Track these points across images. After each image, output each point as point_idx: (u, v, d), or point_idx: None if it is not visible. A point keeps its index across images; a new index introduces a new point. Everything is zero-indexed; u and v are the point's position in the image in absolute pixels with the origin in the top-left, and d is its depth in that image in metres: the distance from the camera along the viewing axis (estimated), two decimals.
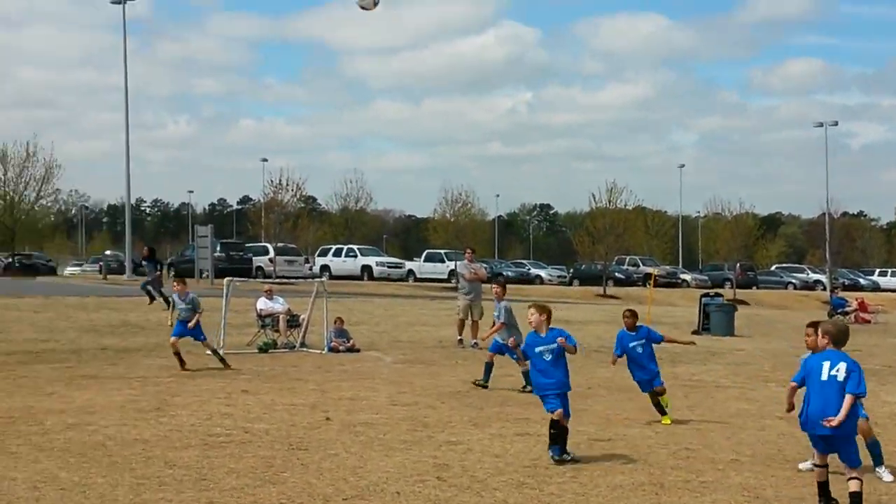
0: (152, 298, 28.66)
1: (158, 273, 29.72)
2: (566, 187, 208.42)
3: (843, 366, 7.55)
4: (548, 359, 9.63)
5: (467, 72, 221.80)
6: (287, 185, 60.57)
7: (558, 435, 9.50)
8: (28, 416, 11.40)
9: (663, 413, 12.04)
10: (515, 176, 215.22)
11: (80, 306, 28.47)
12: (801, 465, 9.40)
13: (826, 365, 7.61)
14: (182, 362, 16.36)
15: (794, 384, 7.93)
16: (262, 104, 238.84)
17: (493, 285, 17.25)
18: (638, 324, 12.12)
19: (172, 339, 16.58)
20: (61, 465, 8.85)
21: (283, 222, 59.20)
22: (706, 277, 67.93)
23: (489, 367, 15.08)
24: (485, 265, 41.96)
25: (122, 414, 11.72)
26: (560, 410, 9.52)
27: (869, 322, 36.82)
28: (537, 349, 9.68)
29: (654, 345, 12.09)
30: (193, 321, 16.60)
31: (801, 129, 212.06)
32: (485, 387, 14.82)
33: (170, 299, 19.60)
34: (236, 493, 7.93)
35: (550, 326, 9.87)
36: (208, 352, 16.90)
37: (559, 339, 9.66)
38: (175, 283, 17.55)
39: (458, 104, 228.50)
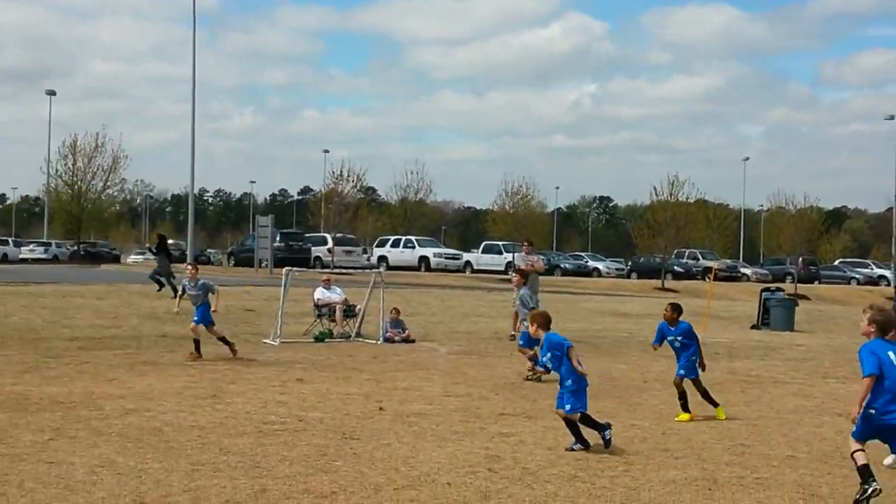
0: (160, 286, 28.80)
1: (168, 261, 29.60)
2: (629, 180, 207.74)
3: None
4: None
5: (533, 64, 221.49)
6: (347, 175, 61.00)
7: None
8: (88, 402, 11.63)
9: (713, 404, 11.88)
10: (578, 168, 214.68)
11: (142, 294, 28.95)
12: (886, 461, 9.19)
13: (892, 355, 7.45)
14: (198, 350, 16.17)
15: (874, 375, 7.42)
16: (327, 95, 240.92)
17: (512, 274, 17.09)
18: (681, 319, 11.95)
19: (193, 324, 16.31)
20: (119, 449, 9.02)
21: (343, 213, 59.58)
22: (767, 272, 67.02)
23: (534, 359, 15.00)
24: (542, 257, 41.86)
25: (180, 400, 11.90)
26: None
27: None
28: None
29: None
30: (216, 302, 16.49)
31: (871, 123, 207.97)
32: (538, 380, 14.76)
33: (178, 287, 19.33)
34: (289, 480, 8.01)
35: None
36: (216, 339, 16.54)
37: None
38: (189, 268, 17.24)
39: (523, 96, 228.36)
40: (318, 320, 20.97)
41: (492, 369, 16.09)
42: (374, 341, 19.92)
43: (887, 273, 66.70)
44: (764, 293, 29.00)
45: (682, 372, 11.81)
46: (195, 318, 16.36)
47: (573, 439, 9.66)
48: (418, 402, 12.41)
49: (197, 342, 16.28)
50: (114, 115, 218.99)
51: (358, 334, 20.63)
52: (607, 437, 9.65)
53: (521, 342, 15.38)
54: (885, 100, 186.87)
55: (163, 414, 10.93)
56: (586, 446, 9.58)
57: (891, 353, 7.50)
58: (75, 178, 66.18)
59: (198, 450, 9.10)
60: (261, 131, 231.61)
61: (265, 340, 19.23)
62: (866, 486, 7.41)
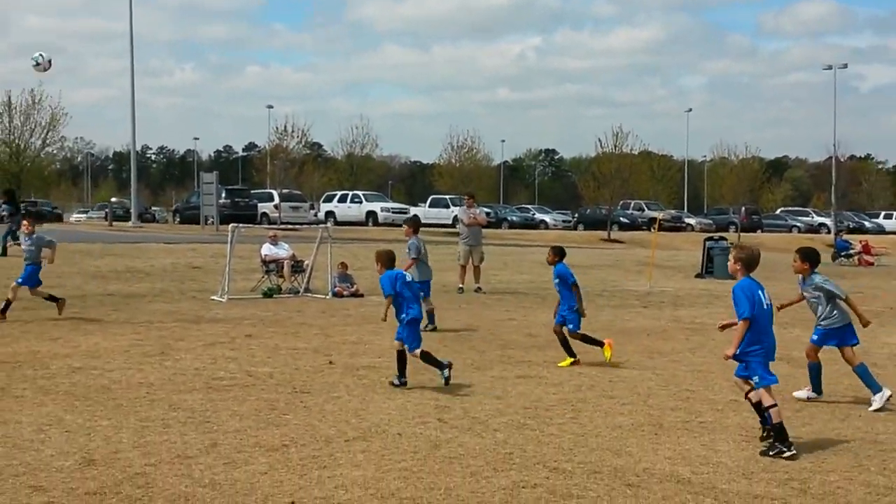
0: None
1: (20, 216, 27.79)
2: (573, 133, 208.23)
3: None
4: None
5: (477, 16, 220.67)
6: (292, 131, 60.63)
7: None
8: (34, 361, 11.51)
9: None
10: (523, 122, 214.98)
11: (85, 252, 28.58)
12: (797, 394, 9.93)
13: (762, 294, 8.12)
14: (5, 312, 15.25)
15: (749, 318, 7.99)
16: (269, 50, 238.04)
17: (404, 224, 17.21)
18: (560, 262, 12.33)
19: (14, 285, 15.48)
20: (66, 407, 8.96)
21: (289, 169, 59.22)
22: (711, 221, 67.83)
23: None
24: (487, 210, 42.01)
25: (127, 358, 11.82)
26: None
27: (872, 264, 36.84)
28: None
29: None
30: (52, 255, 15.96)
31: (810, 73, 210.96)
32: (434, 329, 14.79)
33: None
34: (239, 434, 8.03)
35: None
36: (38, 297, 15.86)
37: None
38: (25, 222, 16.32)
39: (467, 50, 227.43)
40: (266, 276, 20.89)
41: (440, 322, 16.13)
42: (323, 296, 19.90)
43: (827, 221, 67.89)
44: (707, 242, 29.43)
45: (558, 318, 12.11)
46: (19, 279, 15.63)
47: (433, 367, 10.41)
48: (367, 355, 12.46)
49: (8, 303, 15.34)
50: (51, 71, 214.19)
51: (306, 289, 20.60)
52: (446, 376, 10.28)
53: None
54: (824, 49, 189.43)
55: (110, 372, 10.86)
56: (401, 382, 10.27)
57: (761, 293, 8.07)
58: (12, 136, 64.80)
59: (147, 406, 9.07)
60: (203, 87, 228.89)
61: (213, 297, 19.11)
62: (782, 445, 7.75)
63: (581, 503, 6.39)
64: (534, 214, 72.33)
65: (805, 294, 10.27)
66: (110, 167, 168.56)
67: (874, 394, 9.76)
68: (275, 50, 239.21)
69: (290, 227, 37.34)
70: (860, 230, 66.17)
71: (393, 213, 60.71)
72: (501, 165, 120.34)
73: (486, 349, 13.16)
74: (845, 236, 42.77)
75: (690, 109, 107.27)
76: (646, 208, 68.02)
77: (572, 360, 11.96)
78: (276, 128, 61.58)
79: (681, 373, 11.57)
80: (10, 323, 14.98)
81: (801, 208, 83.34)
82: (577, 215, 72.21)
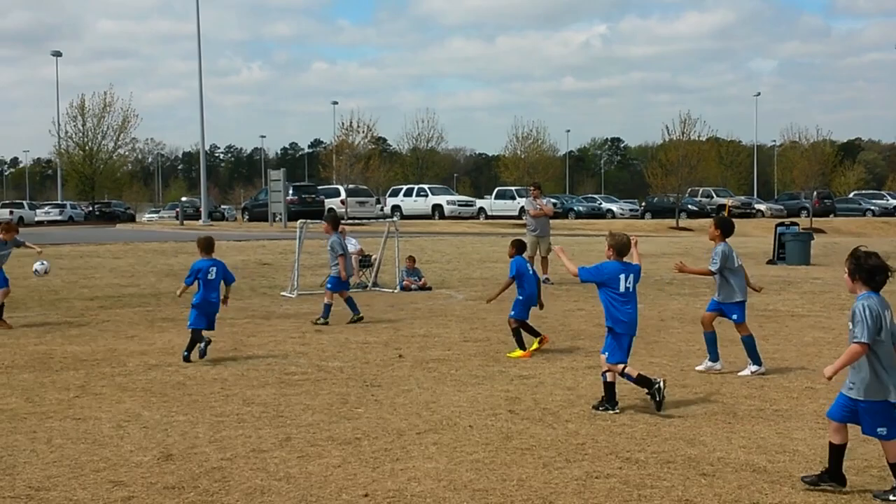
0: None
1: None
2: (640, 121, 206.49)
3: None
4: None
5: (542, 6, 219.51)
6: (357, 126, 60.98)
7: None
8: (111, 358, 11.77)
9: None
10: (589, 111, 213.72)
11: (158, 252, 29.11)
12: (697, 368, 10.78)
13: (622, 277, 8.91)
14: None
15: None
16: (335, 47, 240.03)
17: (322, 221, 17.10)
18: (516, 255, 12.42)
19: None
20: (144, 404, 9.14)
21: (355, 164, 59.56)
22: (782, 207, 66.69)
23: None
24: (553, 201, 41.77)
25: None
26: None
27: None
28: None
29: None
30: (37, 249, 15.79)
31: (885, 52, 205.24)
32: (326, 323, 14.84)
33: None
34: (312, 428, 8.12)
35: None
36: None
37: None
38: (3, 229, 15.39)
39: (532, 40, 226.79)
40: None
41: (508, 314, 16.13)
42: (391, 290, 20.00)
43: None
44: (779, 228, 28.92)
45: (511, 312, 12.15)
46: None
47: None
48: (437, 348, 12.50)
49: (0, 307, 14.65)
50: (122, 74, 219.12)
51: (374, 284, 20.72)
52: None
53: (328, 286, 15.48)
54: None
55: (184, 368, 11.05)
56: None
57: (622, 276, 8.92)
58: (85, 139, 66.31)
59: (221, 402, 9.22)
60: (269, 85, 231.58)
61: (283, 293, 19.34)
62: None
63: (654, 493, 6.35)
64: (600, 204, 71.82)
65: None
66: (180, 167, 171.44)
67: (752, 364, 10.62)
68: (340, 46, 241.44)
69: (357, 221, 37.58)
70: None
71: (459, 205, 60.79)
72: (567, 155, 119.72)
73: (556, 340, 13.12)
74: None
75: (759, 93, 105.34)
76: (714, 195, 67.14)
77: (522, 351, 11.94)
78: (342, 123, 62.02)
79: None
80: (88, 322, 15.32)
81: (875, 191, 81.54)
82: (644, 204, 71.56)
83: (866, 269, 6.53)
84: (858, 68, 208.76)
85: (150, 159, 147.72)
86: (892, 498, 6.19)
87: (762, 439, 7.71)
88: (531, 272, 12.46)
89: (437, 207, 59.55)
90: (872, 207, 68.95)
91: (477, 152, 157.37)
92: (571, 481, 6.60)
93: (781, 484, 6.51)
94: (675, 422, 8.33)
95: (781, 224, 29.90)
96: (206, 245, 12.57)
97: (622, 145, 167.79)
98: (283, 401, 9.23)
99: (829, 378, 6.69)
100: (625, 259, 9.03)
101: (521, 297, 12.14)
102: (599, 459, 7.13)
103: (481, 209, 62.74)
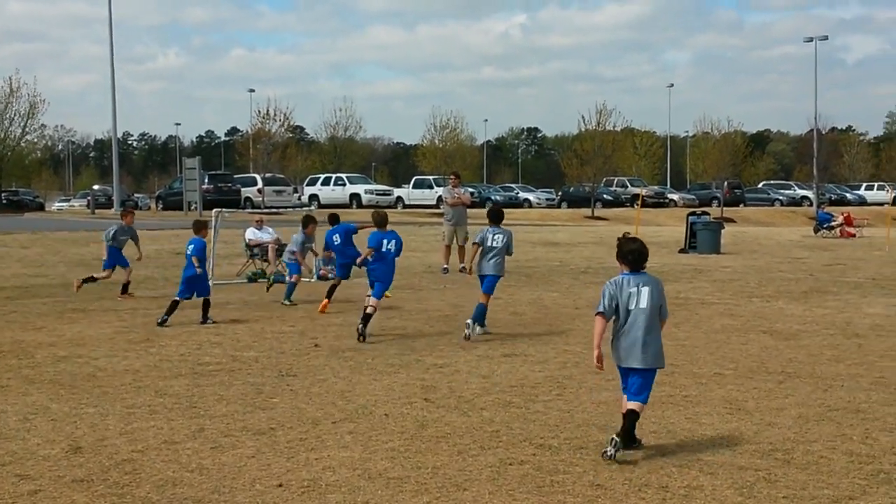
0: None
1: None
2: (558, 110, 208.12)
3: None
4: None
5: None
6: (274, 115, 60.40)
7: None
8: (18, 350, 11.48)
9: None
10: (509, 101, 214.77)
11: (69, 241, 28.47)
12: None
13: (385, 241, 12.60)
14: None
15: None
16: (254, 33, 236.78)
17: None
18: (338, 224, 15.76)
19: None
20: (52, 396, 8.95)
21: (272, 152, 59.02)
22: (694, 196, 67.96)
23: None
24: (471, 190, 41.98)
25: (112, 345, 11.81)
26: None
27: (854, 236, 37.03)
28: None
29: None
30: None
31: (796, 45, 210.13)
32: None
33: None
34: (226, 419, 8.04)
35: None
36: None
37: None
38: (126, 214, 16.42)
39: (453, 28, 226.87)
40: (251, 261, 20.85)
41: (426, 302, 16.20)
42: (308, 280, 19.86)
43: (809, 194, 68.14)
44: (690, 217, 29.51)
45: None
46: None
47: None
48: (353, 337, 12.45)
49: None
50: (31, 57, 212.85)
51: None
52: None
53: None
54: (811, 21, 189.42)
55: (95, 360, 10.84)
56: None
57: (384, 240, 12.71)
58: None
59: (133, 393, 9.07)
60: (186, 72, 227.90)
61: None
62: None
63: (567, 479, 6.43)
64: (517, 193, 72.33)
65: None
66: (92, 154, 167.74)
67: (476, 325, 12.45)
68: (259, 32, 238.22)
69: (274, 210, 37.24)
70: (842, 202, 66.50)
71: (377, 195, 60.64)
72: (485, 145, 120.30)
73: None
74: (827, 208, 42.98)
75: (672, 84, 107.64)
76: (629, 185, 68.13)
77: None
78: (258, 111, 61.32)
79: (666, 348, 11.58)
80: None
81: (783, 181, 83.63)
82: (560, 193, 72.27)
83: (622, 253, 7.33)
84: (770, 61, 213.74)
85: (60, 146, 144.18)
86: (608, 451, 6.80)
87: (672, 424, 7.87)
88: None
89: (354, 196, 59.32)
90: (781, 197, 70.72)
91: (395, 141, 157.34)
92: (486, 468, 6.66)
93: (689, 468, 6.65)
94: (587, 408, 8.46)
95: (693, 213, 30.51)
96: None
97: (539, 135, 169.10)
98: (196, 391, 9.12)
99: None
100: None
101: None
102: (514, 446, 7.21)
103: (399, 198, 62.70)
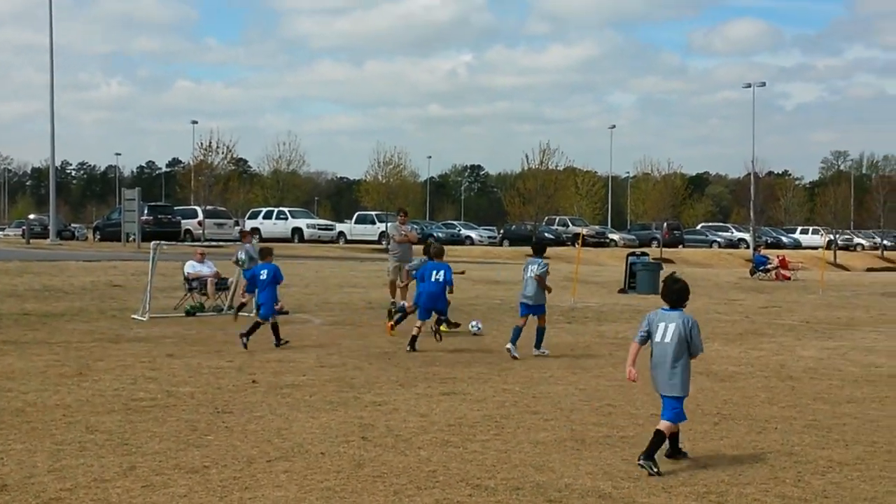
0: None
1: None
2: (504, 149, 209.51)
3: None
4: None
5: (412, 33, 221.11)
6: (217, 147, 60.00)
7: None
8: None
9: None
10: (455, 138, 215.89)
11: (1, 271, 27.88)
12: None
13: None
14: None
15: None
16: (201, 65, 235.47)
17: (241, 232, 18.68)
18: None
19: None
20: None
21: (213, 185, 58.57)
22: (634, 237, 68.76)
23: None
24: (416, 227, 42.05)
25: (43, 379, 11.55)
26: None
27: (789, 279, 37.66)
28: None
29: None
30: None
31: (737, 91, 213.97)
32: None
33: None
34: (159, 456, 7.89)
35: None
36: None
37: None
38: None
39: (401, 66, 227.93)
40: (189, 294, 20.62)
41: (365, 339, 16.12)
42: (247, 314, 19.67)
43: (746, 236, 69.30)
44: (630, 258, 29.82)
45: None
46: None
47: None
48: (292, 373, 12.35)
49: None
50: None
51: (230, 307, 20.36)
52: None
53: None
54: (752, 68, 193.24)
55: (25, 394, 10.59)
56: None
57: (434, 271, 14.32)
58: None
59: (63, 429, 8.87)
60: (130, 102, 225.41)
61: (133, 316, 18.80)
62: None
63: None
64: (459, 230, 72.54)
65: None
66: (28, 183, 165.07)
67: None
68: (206, 64, 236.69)
69: (214, 243, 36.92)
70: (778, 245, 67.70)
71: (319, 229, 60.44)
72: (428, 181, 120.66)
73: (412, 366, 13.15)
74: (763, 251, 43.68)
75: (614, 126, 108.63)
76: (570, 224, 68.66)
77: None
78: (201, 143, 60.87)
79: (603, 388, 11.68)
80: None
81: (721, 223, 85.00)
82: (502, 231, 72.61)
83: (662, 291, 8.34)
84: (712, 105, 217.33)
85: None
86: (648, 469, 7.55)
87: (608, 465, 7.89)
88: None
89: (296, 231, 59.06)
90: (718, 239, 71.83)
91: (339, 176, 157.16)
92: None
93: None
94: (525, 448, 8.45)
95: (633, 254, 30.83)
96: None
97: (483, 173, 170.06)
98: (128, 428, 8.95)
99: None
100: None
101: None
102: (450, 487, 7.17)
103: (341, 233, 62.54)
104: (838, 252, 65.23)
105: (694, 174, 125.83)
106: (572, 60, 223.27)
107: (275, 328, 14.97)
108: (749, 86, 74.40)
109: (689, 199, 72.75)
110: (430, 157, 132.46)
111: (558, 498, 6.90)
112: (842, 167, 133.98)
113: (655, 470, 7.55)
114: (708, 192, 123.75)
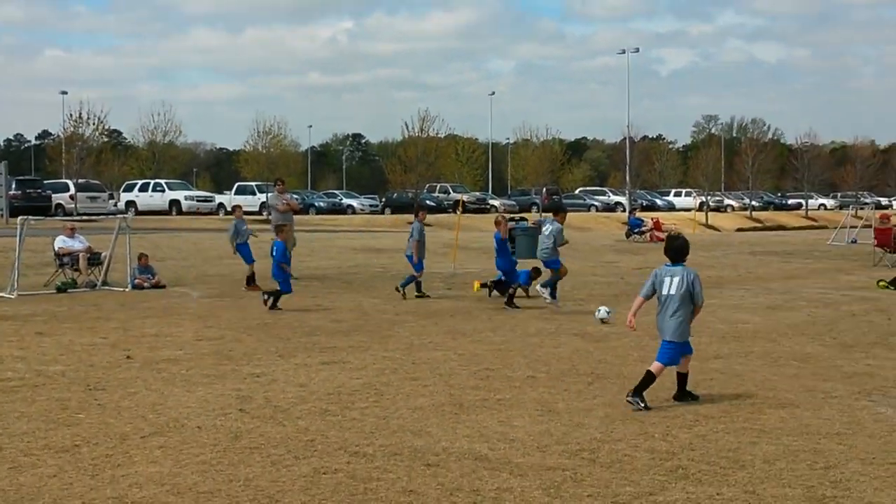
0: None
1: None
2: (385, 117, 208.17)
3: None
4: None
5: None
6: (88, 118, 58.10)
7: None
8: None
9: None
10: (336, 106, 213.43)
11: None
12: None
13: None
14: None
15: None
16: (70, 33, 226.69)
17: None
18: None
19: None
20: None
21: (85, 157, 56.80)
22: (514, 202, 69.49)
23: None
24: (296, 196, 41.64)
25: None
26: None
27: (662, 240, 38.69)
28: None
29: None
30: None
31: (614, 57, 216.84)
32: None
33: None
34: (27, 437, 7.68)
35: None
36: None
37: None
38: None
39: (279, 33, 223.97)
40: (60, 270, 20.02)
41: (245, 311, 15.95)
42: (122, 289, 19.26)
43: (622, 200, 70.84)
44: (509, 223, 30.11)
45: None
46: None
47: None
48: (168, 348, 12.16)
49: None
50: None
51: (104, 283, 19.87)
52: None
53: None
54: (628, 34, 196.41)
55: None
56: None
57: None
58: None
59: None
60: None
61: (0, 294, 18.18)
62: None
63: (380, 486, 6.46)
64: (341, 200, 72.19)
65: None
66: None
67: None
68: (77, 33, 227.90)
69: (87, 217, 35.89)
70: (652, 208, 69.48)
71: (197, 201, 59.31)
72: (309, 151, 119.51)
73: (291, 336, 13.09)
74: (638, 214, 44.75)
75: (493, 93, 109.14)
76: (451, 191, 68.99)
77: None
78: (71, 115, 58.87)
79: (482, 352, 11.84)
80: None
81: (598, 188, 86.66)
82: (384, 199, 72.52)
83: (665, 248, 9.31)
84: (589, 71, 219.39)
85: None
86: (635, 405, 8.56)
87: (485, 428, 8.02)
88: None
89: (174, 203, 57.84)
90: (596, 203, 73.26)
91: (218, 147, 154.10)
92: (299, 478, 6.61)
93: (500, 470, 6.80)
94: (403, 414, 8.52)
95: (512, 219, 31.18)
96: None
97: (364, 141, 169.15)
98: None
99: None
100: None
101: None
102: (328, 455, 7.18)
103: (221, 205, 61.49)
104: (710, 213, 67.32)
105: (573, 139, 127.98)
106: (452, 27, 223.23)
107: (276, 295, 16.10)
108: (623, 52, 75.75)
109: (567, 165, 73.95)
110: (310, 126, 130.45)
111: (436, 462, 6.99)
112: (713, 131, 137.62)
113: (642, 405, 8.55)
114: (586, 157, 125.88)
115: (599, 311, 14.70)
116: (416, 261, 18.25)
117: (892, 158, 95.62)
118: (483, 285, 18.31)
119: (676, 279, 8.86)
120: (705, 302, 9.30)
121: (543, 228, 16.75)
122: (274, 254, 16.61)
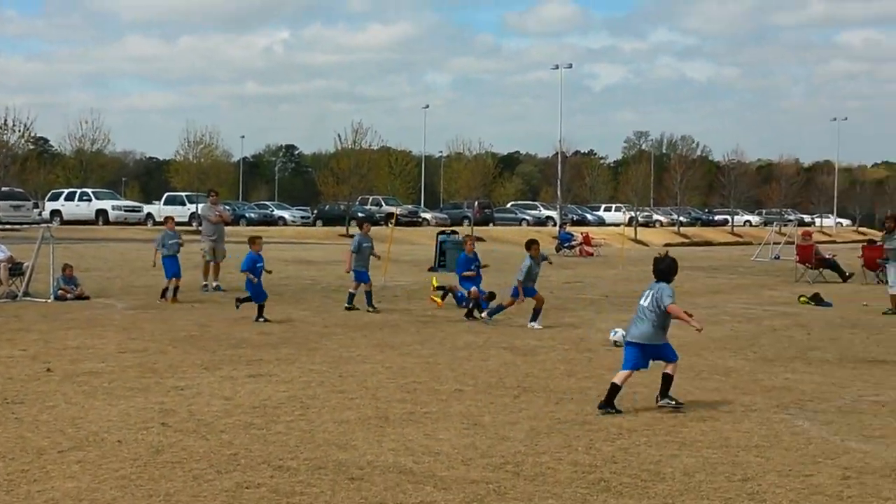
0: None
1: None
2: (319, 129, 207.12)
3: None
4: None
5: (228, 8, 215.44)
6: (14, 125, 56.88)
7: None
8: None
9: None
10: (271, 117, 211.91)
11: None
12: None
13: None
14: None
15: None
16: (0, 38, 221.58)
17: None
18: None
19: None
20: None
21: (10, 165, 55.60)
22: (446, 216, 69.67)
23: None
24: (227, 207, 41.25)
25: None
26: None
27: (592, 255, 39.13)
28: None
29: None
30: None
31: (547, 71, 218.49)
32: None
33: None
34: None
35: None
36: None
37: None
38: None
39: (215, 41, 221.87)
40: None
41: (170, 323, 15.74)
42: (44, 300, 18.87)
43: (553, 214, 71.43)
44: (440, 236, 30.24)
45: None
46: None
47: None
48: (91, 360, 11.94)
49: None
50: None
51: (26, 293, 19.45)
52: None
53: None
54: (563, 49, 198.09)
55: None
56: None
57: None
58: None
59: None
60: None
61: None
62: None
63: (303, 500, 6.42)
64: (272, 211, 71.69)
65: None
66: None
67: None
68: (6, 38, 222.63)
69: (10, 227, 35.13)
70: (583, 223, 70.19)
71: (125, 211, 58.47)
72: (241, 161, 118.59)
73: (217, 349, 12.94)
74: (569, 228, 45.20)
75: (427, 106, 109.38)
76: (384, 203, 68.93)
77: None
78: None
79: (410, 365, 11.84)
80: None
81: (530, 202, 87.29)
82: (315, 211, 72.18)
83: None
84: (524, 85, 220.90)
85: None
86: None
87: (410, 441, 8.01)
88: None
89: (101, 212, 56.92)
90: (527, 217, 73.82)
91: (148, 156, 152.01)
92: (221, 493, 6.54)
93: (424, 484, 6.80)
94: (329, 428, 8.48)
95: (443, 233, 31.29)
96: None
97: (297, 152, 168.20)
98: None
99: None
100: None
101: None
102: (252, 469, 7.12)
103: (149, 215, 60.61)
104: (639, 228, 68.23)
105: (505, 153, 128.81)
106: (390, 40, 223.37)
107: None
108: (556, 67, 76.46)
109: (499, 178, 74.25)
110: (243, 136, 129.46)
111: (360, 475, 6.97)
112: (643, 147, 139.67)
113: (675, 403, 9.30)
114: (518, 171, 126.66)
115: (616, 332, 13.43)
116: (348, 269, 18.41)
117: (816, 176, 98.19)
118: (440, 288, 19.05)
119: (650, 293, 9.60)
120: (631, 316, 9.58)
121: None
122: (242, 265, 16.68)
